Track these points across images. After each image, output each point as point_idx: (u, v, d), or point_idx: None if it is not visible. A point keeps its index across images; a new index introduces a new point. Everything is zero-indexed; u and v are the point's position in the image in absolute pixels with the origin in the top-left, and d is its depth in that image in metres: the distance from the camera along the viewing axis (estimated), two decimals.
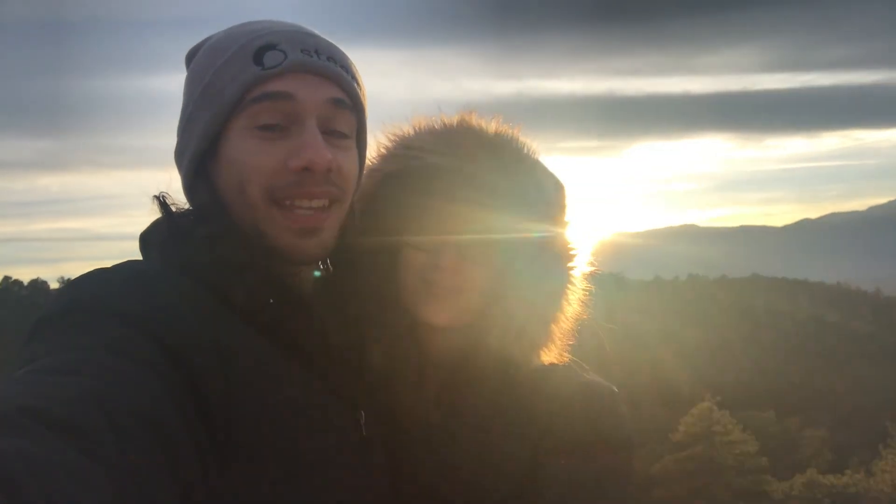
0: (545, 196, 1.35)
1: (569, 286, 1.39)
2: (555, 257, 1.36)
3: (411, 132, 1.42)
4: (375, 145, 1.38)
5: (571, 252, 1.38)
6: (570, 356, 1.42)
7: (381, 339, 1.28)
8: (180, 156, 1.15)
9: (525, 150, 1.39)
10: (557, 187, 1.40)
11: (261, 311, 1.01)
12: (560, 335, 1.40)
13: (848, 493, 30.43)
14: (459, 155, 1.34)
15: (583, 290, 1.42)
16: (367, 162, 1.33)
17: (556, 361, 1.40)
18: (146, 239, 1.11)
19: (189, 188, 1.15)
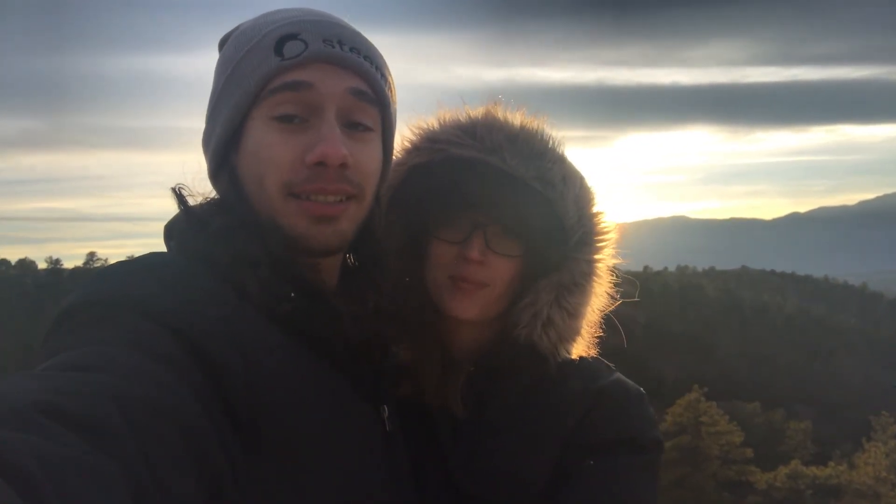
0: (572, 188, 1.33)
1: (596, 278, 1.37)
2: (582, 249, 1.35)
3: (436, 125, 1.39)
4: (400, 139, 1.36)
5: (599, 244, 1.37)
6: (596, 351, 1.41)
7: (404, 332, 1.26)
8: (206, 144, 1.15)
9: (550, 143, 1.37)
10: (583, 179, 1.39)
11: (278, 305, 1.00)
12: (587, 328, 1.39)
13: (830, 484, 30.90)
14: (485, 148, 1.32)
15: (609, 282, 1.40)
16: (393, 156, 1.31)
17: (583, 355, 1.39)
18: (169, 230, 1.10)
19: (213, 177, 1.14)
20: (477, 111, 1.39)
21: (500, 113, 1.38)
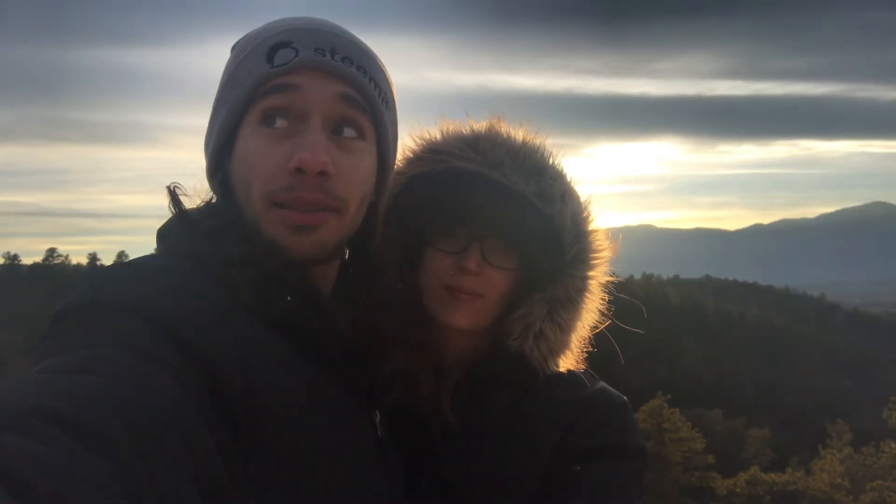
0: (570, 205, 1.36)
1: (588, 295, 1.40)
2: (577, 266, 1.37)
3: (438, 136, 1.41)
4: (401, 148, 1.38)
5: (594, 261, 1.40)
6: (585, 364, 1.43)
7: (397, 339, 1.27)
8: (206, 147, 1.16)
9: (551, 160, 1.40)
10: (581, 197, 1.42)
11: (272, 308, 1.00)
12: (577, 343, 1.42)
13: (787, 490, 31.53)
14: (487, 162, 1.34)
15: (601, 298, 1.43)
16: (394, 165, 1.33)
17: (572, 368, 1.41)
18: (163, 232, 1.10)
19: (209, 180, 1.14)
20: (480, 125, 1.42)
21: (503, 128, 1.41)
